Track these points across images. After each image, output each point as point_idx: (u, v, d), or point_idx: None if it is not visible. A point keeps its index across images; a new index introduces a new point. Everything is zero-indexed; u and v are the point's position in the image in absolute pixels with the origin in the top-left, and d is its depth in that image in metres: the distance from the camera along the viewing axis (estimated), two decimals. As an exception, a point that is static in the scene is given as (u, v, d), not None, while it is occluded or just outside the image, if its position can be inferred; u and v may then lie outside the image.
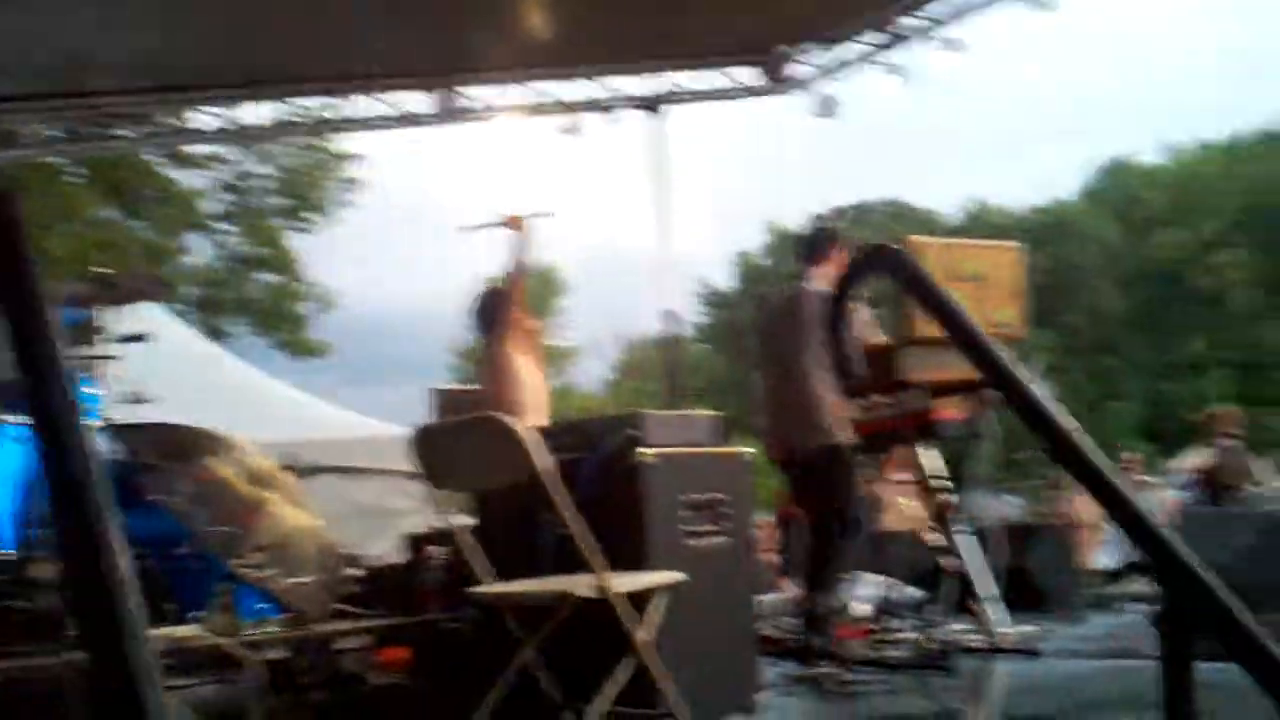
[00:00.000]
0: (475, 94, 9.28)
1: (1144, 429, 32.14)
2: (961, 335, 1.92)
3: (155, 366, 10.06)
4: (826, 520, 5.36)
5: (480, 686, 3.66)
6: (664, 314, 10.54)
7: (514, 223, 5.69)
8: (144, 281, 5.53)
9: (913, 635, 5.44)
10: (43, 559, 4.63)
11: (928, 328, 4.98)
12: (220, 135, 9.53)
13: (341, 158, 23.22)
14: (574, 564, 3.46)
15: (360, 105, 9.04)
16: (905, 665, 5.10)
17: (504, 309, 6.08)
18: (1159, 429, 30.18)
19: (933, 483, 5.62)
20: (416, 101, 9.23)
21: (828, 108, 9.57)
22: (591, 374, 42.54)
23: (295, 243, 24.27)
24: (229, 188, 23.35)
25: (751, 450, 4.27)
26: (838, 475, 5.35)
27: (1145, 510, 1.72)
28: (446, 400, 8.45)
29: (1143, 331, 38.15)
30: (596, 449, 3.98)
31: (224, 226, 23.92)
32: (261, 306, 24.35)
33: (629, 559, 3.84)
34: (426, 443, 3.49)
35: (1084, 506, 9.08)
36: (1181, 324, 36.84)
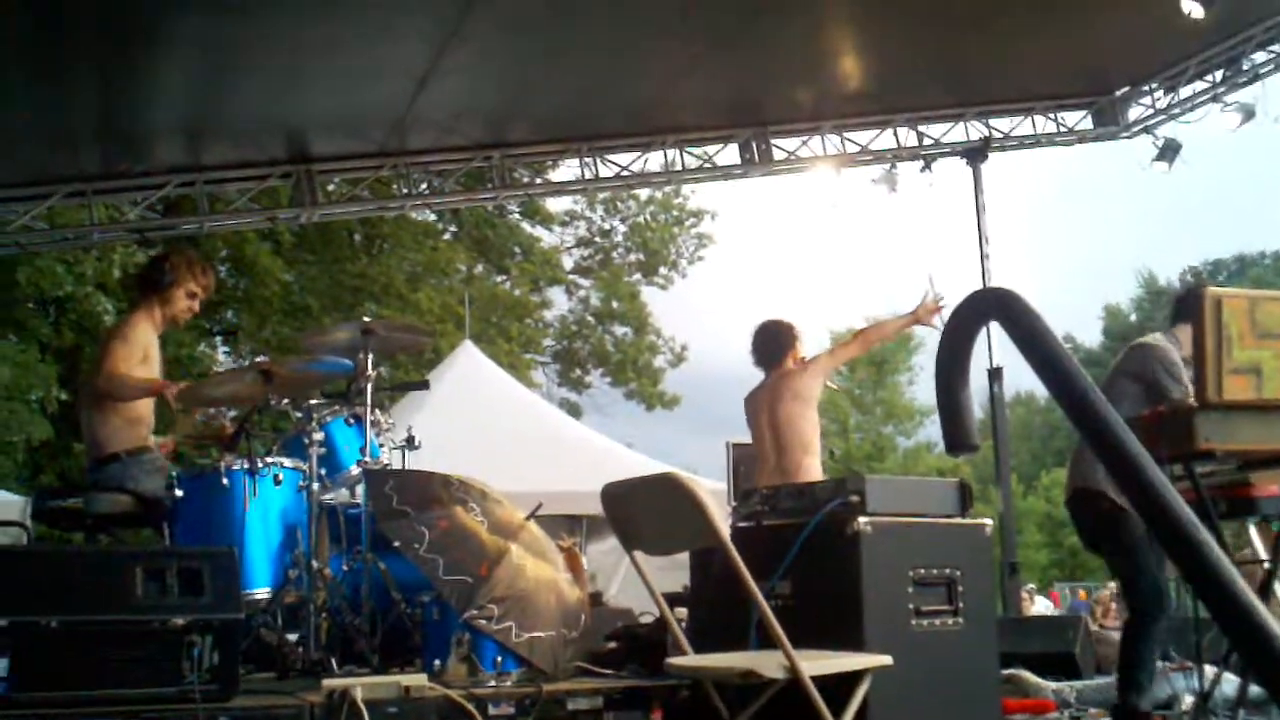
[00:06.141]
0: (786, 145, 9.07)
1: None
2: (1077, 411, 1.53)
3: (463, 412, 10.50)
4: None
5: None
6: (989, 372, 9.87)
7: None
8: (406, 332, 5.68)
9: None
10: (297, 596, 4.79)
11: (1235, 389, 4.33)
12: (533, 187, 9.82)
13: (691, 214, 23.68)
14: (790, 637, 3.16)
15: (669, 159, 9.02)
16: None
17: (786, 344, 5.99)
18: None
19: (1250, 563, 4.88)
20: (726, 154, 9.12)
21: (1169, 153, 8.69)
22: (948, 434, 41.27)
23: (648, 297, 24.93)
24: (585, 243, 24.28)
25: (990, 521, 3.80)
26: (1123, 544, 4.76)
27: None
28: (739, 453, 8.28)
29: None
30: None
31: (580, 281, 24.87)
32: (616, 359, 25.08)
33: (846, 638, 3.49)
34: (613, 502, 3.30)
35: None
36: None
